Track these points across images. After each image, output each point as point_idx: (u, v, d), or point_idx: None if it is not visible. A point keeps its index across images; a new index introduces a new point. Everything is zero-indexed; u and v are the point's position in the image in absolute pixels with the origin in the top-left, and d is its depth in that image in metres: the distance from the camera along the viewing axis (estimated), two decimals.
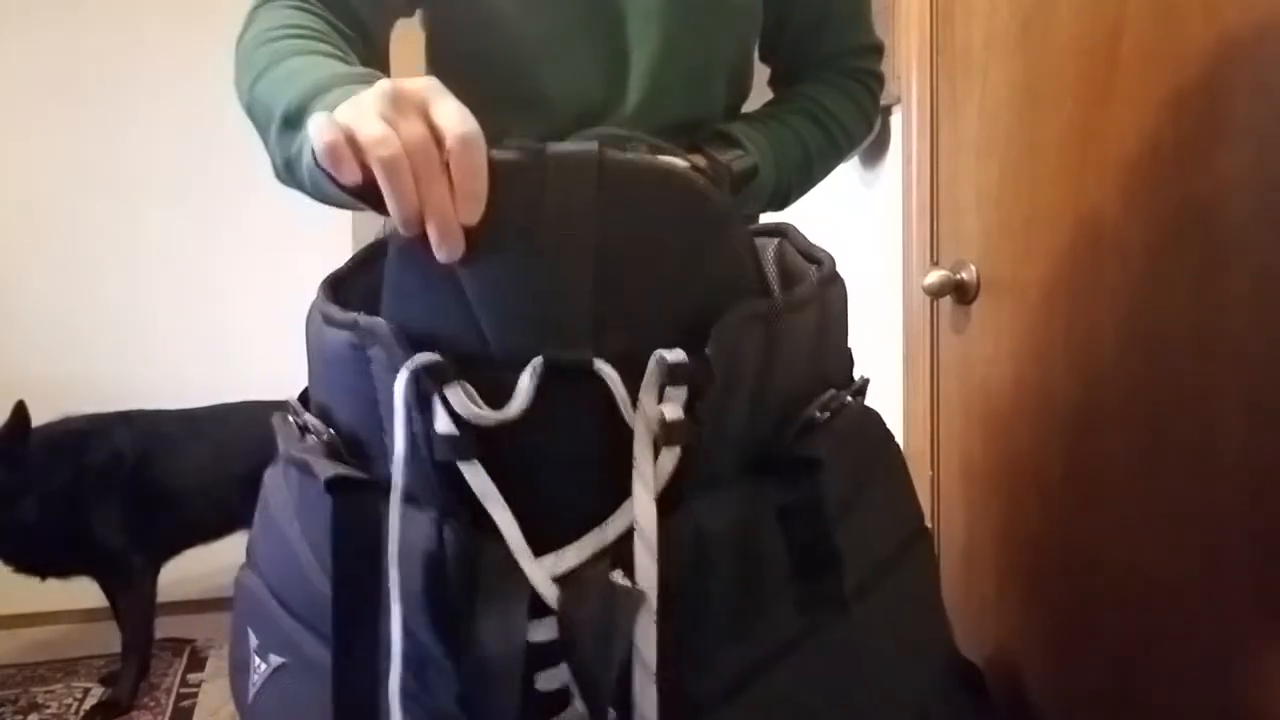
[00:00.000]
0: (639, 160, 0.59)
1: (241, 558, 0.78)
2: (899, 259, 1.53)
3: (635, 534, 0.55)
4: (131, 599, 2.32)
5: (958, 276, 1.30)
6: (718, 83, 0.93)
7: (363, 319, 0.59)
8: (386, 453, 0.57)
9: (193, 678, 2.48)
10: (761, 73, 1.03)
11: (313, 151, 0.62)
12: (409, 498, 0.57)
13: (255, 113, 0.74)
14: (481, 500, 0.55)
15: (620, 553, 0.56)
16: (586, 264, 0.57)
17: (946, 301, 1.39)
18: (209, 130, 2.84)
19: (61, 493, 2.21)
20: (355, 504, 0.58)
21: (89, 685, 2.45)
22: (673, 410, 0.55)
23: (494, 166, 0.55)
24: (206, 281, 2.94)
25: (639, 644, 0.54)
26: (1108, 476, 1.03)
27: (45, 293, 2.84)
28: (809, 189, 0.98)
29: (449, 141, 0.54)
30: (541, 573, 0.55)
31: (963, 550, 1.37)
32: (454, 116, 0.55)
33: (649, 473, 0.55)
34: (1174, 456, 0.93)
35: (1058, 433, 1.12)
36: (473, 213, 0.55)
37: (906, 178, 1.48)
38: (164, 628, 2.42)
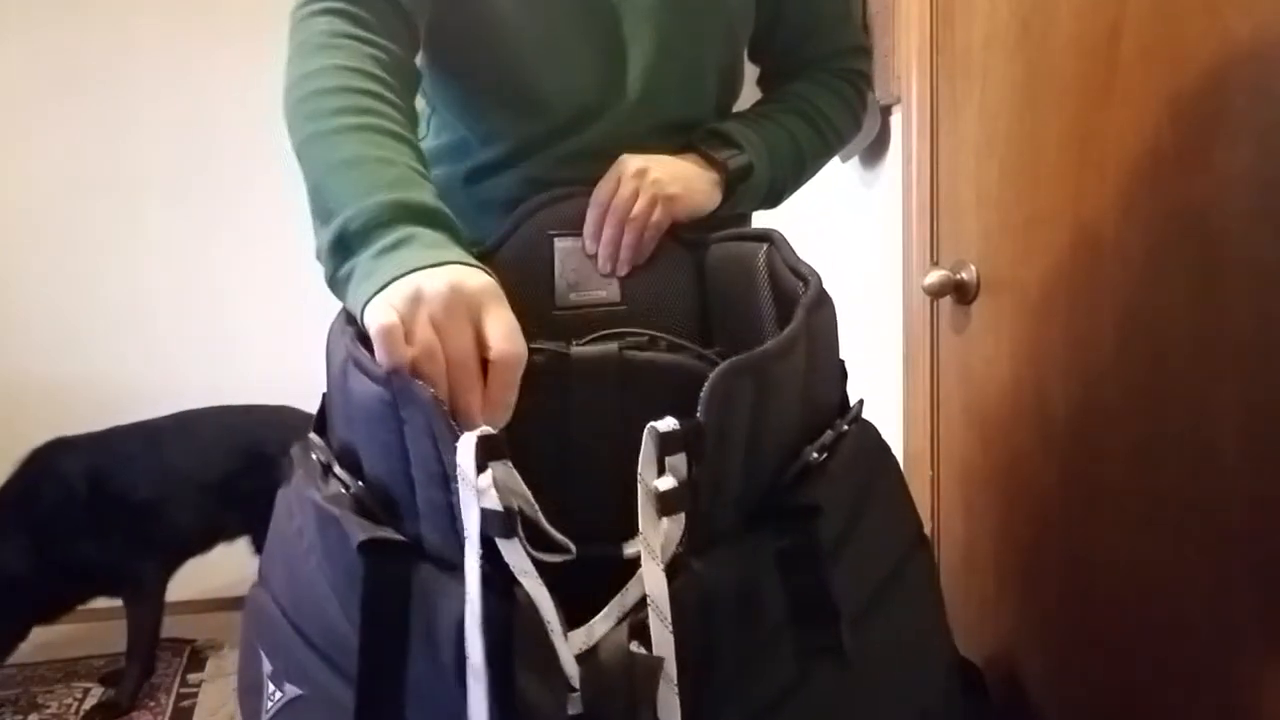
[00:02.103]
0: (656, 359, 0.65)
1: (241, 560, 0.78)
2: (899, 259, 1.53)
3: (648, 604, 0.55)
4: (139, 604, 2.32)
5: (958, 276, 1.30)
6: (711, 82, 0.94)
7: (396, 380, 0.58)
8: (418, 513, 0.59)
9: (193, 678, 2.48)
10: (749, 71, 1.04)
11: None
12: (449, 566, 0.58)
13: (302, 172, 0.71)
14: (518, 576, 0.55)
15: (632, 619, 0.57)
16: (609, 466, 0.61)
17: (946, 302, 1.38)
18: (209, 130, 2.83)
19: (31, 537, 2.22)
20: (388, 565, 0.59)
21: (89, 685, 2.45)
22: (667, 481, 0.56)
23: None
24: (206, 281, 2.94)
25: (660, 712, 0.55)
26: (1107, 476, 1.03)
27: (45, 293, 2.84)
28: (800, 186, 1.00)
29: (492, 356, 0.58)
30: (569, 651, 0.56)
31: (962, 550, 1.37)
32: (503, 335, 0.58)
33: (656, 545, 0.56)
34: (1173, 456, 0.93)
35: (1057, 433, 1.12)
36: (499, 421, 0.59)
37: (906, 178, 1.48)
38: (164, 628, 2.41)
